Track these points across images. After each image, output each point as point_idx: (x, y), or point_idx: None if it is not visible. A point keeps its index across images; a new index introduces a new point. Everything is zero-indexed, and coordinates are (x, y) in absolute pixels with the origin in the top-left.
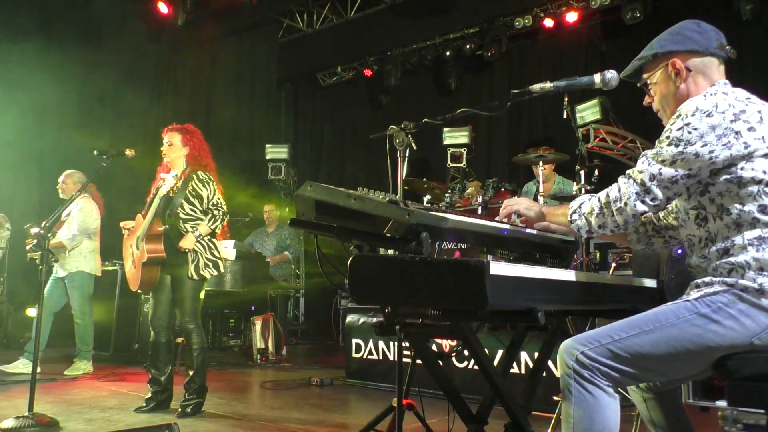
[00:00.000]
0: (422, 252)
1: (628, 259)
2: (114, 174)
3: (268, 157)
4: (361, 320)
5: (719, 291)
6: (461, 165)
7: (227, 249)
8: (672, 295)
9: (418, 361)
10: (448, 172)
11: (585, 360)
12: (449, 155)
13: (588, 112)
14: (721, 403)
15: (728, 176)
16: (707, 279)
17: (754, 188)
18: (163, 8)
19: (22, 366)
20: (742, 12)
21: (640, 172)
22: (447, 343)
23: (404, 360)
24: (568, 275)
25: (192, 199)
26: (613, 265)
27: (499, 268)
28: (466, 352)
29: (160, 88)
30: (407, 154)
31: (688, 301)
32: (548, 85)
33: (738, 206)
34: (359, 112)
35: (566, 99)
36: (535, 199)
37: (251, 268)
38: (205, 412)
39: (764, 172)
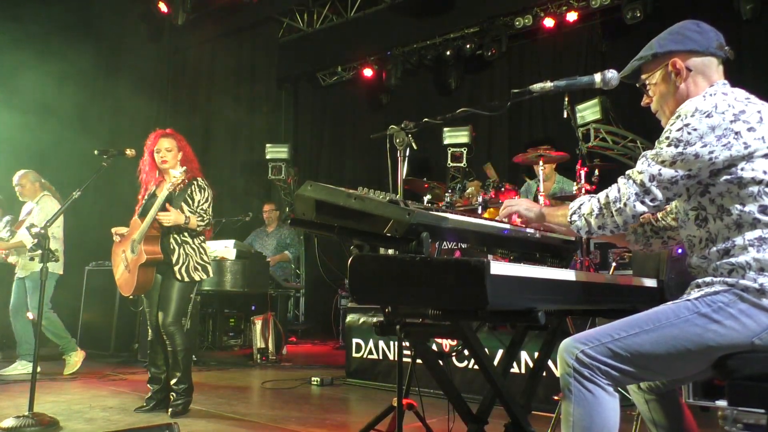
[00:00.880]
0: (422, 252)
1: (628, 258)
2: (114, 174)
3: (268, 157)
4: (362, 320)
5: (720, 291)
6: (461, 165)
7: (227, 249)
8: (672, 295)
9: (418, 361)
10: (449, 171)
11: (585, 359)
12: (449, 155)
13: (588, 111)
14: (722, 403)
15: (728, 177)
16: (708, 279)
17: (754, 188)
18: (163, 8)
19: (20, 367)
20: (742, 12)
21: (640, 172)
22: (447, 343)
23: (404, 360)
24: (568, 275)
25: (188, 200)
26: (613, 264)
27: (499, 267)
28: (466, 352)
29: (160, 87)
30: (407, 153)
31: (688, 300)
32: (548, 84)
33: (738, 207)
34: (359, 112)
35: (566, 99)
36: (535, 198)
37: (251, 268)
38: (205, 411)
39: (764, 173)
